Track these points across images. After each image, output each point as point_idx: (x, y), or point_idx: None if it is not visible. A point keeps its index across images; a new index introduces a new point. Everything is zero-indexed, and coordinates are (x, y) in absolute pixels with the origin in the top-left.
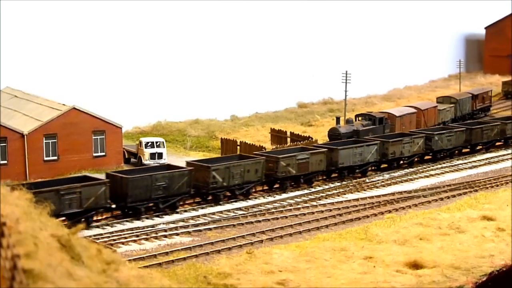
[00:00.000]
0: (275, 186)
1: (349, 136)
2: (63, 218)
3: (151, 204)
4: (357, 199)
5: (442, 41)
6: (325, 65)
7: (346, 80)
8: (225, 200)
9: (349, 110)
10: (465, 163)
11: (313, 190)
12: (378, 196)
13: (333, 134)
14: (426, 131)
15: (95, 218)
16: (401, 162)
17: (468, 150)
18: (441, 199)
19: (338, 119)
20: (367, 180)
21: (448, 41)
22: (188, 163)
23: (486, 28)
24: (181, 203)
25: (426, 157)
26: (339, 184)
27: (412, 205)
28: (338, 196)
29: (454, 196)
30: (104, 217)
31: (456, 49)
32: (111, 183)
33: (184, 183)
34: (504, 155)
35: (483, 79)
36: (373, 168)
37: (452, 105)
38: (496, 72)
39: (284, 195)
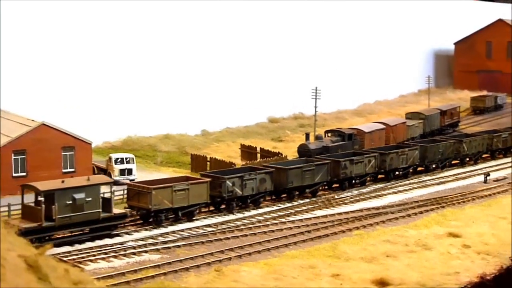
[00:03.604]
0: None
1: (318, 152)
2: None
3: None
4: (325, 216)
5: (412, 57)
6: (296, 80)
7: (316, 96)
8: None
9: (319, 125)
10: (433, 179)
11: (288, 205)
12: (347, 213)
13: (303, 150)
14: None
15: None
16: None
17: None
18: (409, 215)
19: (307, 135)
20: (336, 196)
21: (418, 57)
22: (439, 139)
23: (455, 44)
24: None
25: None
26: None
27: (380, 222)
28: (307, 212)
29: (421, 212)
30: None
31: (426, 64)
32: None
33: (451, 151)
34: (471, 170)
35: (452, 95)
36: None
37: (421, 121)
38: (466, 88)
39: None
